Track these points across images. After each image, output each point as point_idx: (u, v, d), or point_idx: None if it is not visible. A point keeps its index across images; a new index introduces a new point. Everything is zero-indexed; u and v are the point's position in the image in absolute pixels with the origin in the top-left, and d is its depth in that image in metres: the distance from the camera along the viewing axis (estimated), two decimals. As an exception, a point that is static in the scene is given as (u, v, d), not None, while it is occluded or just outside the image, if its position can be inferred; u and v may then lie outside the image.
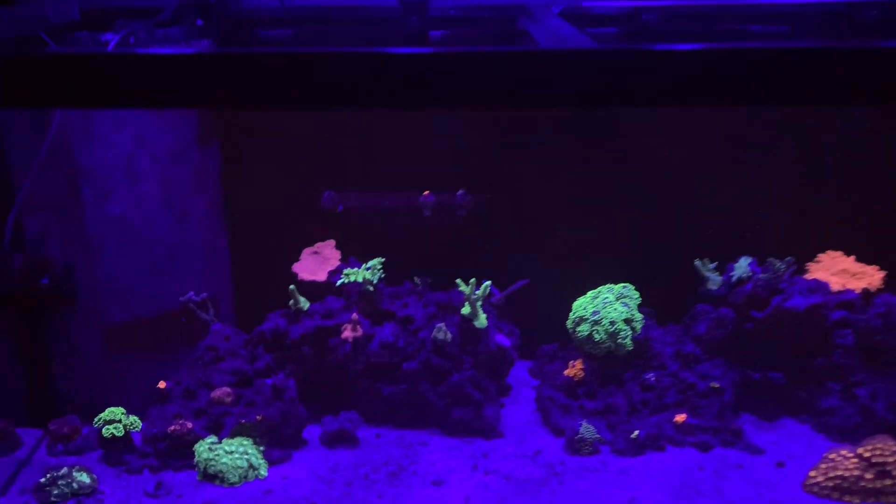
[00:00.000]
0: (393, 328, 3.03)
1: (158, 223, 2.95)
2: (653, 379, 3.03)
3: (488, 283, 2.99)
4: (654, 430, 2.92)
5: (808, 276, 3.11)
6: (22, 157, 2.73)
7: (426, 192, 3.11)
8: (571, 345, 3.20)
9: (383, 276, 3.08)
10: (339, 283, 3.04)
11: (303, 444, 2.96)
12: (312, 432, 3.04)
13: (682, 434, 2.91)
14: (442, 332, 2.99)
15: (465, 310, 3.00)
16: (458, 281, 2.97)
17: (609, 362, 3.09)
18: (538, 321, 3.32)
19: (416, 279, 3.13)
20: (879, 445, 2.62)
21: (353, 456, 2.94)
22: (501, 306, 3.26)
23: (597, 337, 3.02)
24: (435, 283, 3.25)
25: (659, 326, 3.21)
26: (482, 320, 3.00)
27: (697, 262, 3.11)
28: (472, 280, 2.96)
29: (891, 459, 2.60)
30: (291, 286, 2.97)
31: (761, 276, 2.97)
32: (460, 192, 3.17)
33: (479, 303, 2.95)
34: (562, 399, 3.08)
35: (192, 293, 2.94)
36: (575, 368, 3.08)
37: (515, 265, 3.33)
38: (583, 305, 3.08)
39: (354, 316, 2.96)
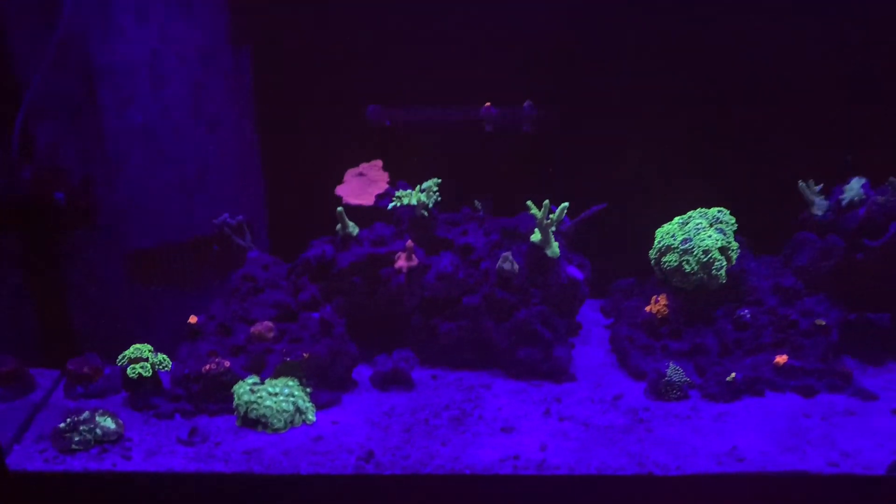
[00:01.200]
0: (451, 258, 2.69)
1: (187, 134, 2.59)
2: (748, 316, 2.69)
3: (566, 204, 2.63)
4: (751, 372, 2.59)
5: (926, 201, 2.79)
6: (29, 50, 2.35)
7: (487, 104, 2.74)
8: (651, 279, 2.86)
9: (439, 199, 2.75)
10: (390, 206, 2.70)
11: (353, 386, 2.65)
12: (362, 373, 2.73)
13: (783, 377, 2.57)
14: (508, 261, 2.64)
15: (536, 237, 2.65)
16: (529, 203, 2.61)
17: (697, 298, 2.75)
18: (612, 252, 2.99)
19: (477, 203, 2.78)
20: None
21: (409, 399, 2.62)
22: (572, 235, 2.91)
23: (687, 268, 2.67)
24: (497, 208, 2.91)
25: (753, 258, 2.88)
26: (555, 249, 2.65)
27: (801, 184, 2.75)
28: (546, 202, 2.60)
29: None
30: (340, 208, 2.62)
31: (877, 198, 2.61)
32: (527, 103, 2.80)
33: (553, 229, 2.62)
34: (642, 339, 2.74)
35: (226, 215, 2.60)
36: (659, 305, 2.75)
37: (588, 188, 2.96)
38: (670, 233, 2.72)
39: (409, 243, 2.61)
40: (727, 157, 2.91)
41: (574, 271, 2.75)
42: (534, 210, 2.60)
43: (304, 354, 2.45)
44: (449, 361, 2.77)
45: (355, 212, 2.86)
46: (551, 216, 2.59)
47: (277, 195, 2.97)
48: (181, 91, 2.50)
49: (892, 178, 2.60)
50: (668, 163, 2.90)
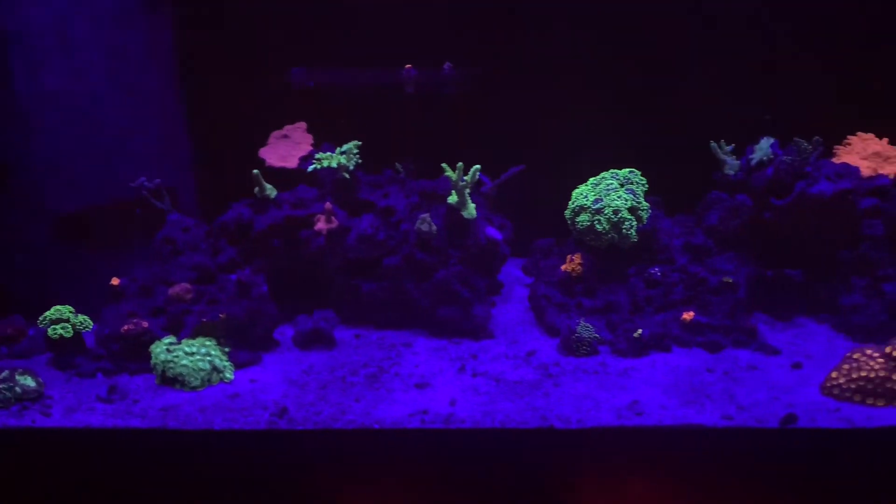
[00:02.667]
0: (372, 220, 2.74)
1: (105, 99, 2.63)
2: (659, 274, 2.75)
3: (477, 167, 2.67)
4: (660, 329, 2.66)
5: (836, 160, 2.82)
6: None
7: (408, 66, 2.77)
8: (570, 238, 2.92)
9: (360, 161, 2.78)
10: (310, 168, 2.74)
11: (274, 346, 2.72)
12: (286, 333, 2.80)
13: (690, 333, 2.66)
14: (426, 223, 2.70)
15: (452, 198, 2.69)
16: (444, 166, 2.65)
17: (611, 256, 2.82)
18: (533, 213, 3.05)
19: (398, 165, 2.83)
20: (910, 344, 2.41)
21: (329, 358, 2.69)
22: (493, 196, 2.96)
23: (599, 227, 2.73)
24: (421, 170, 2.95)
25: (667, 216, 2.93)
26: (471, 210, 2.70)
27: (713, 144, 2.80)
28: (460, 165, 2.65)
29: (922, 360, 2.39)
30: (255, 171, 2.66)
31: (784, 158, 2.66)
32: (447, 65, 2.83)
33: (468, 190, 2.66)
34: (558, 297, 2.82)
35: (143, 179, 2.63)
36: (573, 263, 2.81)
37: (510, 150, 3.02)
38: (583, 193, 2.77)
39: (328, 205, 2.66)
40: (650, 118, 2.95)
41: (493, 232, 2.81)
42: (448, 172, 2.64)
43: (221, 315, 2.51)
44: (373, 321, 2.84)
45: (281, 174, 2.91)
46: (465, 178, 2.64)
47: (205, 159, 3.00)
48: (96, 55, 2.52)
49: (796, 139, 2.65)
50: (590, 124, 2.93)
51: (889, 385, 2.38)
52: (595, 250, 2.78)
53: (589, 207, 2.71)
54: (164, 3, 2.67)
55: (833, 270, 2.76)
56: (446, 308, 2.74)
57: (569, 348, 2.66)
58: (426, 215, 2.68)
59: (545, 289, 2.83)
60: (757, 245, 2.76)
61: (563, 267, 2.80)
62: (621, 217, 2.67)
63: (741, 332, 2.65)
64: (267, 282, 2.65)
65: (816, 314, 2.81)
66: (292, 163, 2.82)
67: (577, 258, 2.79)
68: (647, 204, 2.74)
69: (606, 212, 2.68)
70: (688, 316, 2.66)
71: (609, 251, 2.77)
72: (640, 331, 2.61)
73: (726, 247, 2.78)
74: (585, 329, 2.66)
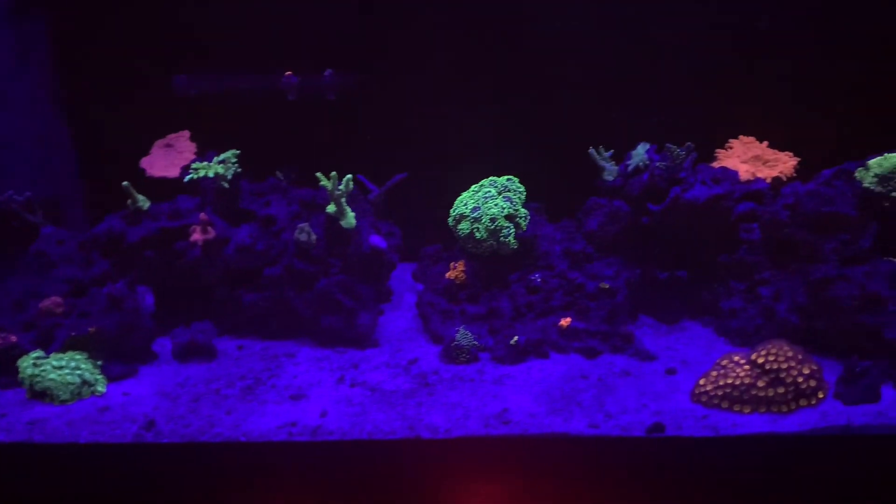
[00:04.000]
0: (251, 230, 2.72)
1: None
2: (539, 280, 2.76)
3: (349, 177, 2.66)
4: (539, 335, 2.67)
5: (716, 164, 2.82)
6: None
7: (288, 73, 2.74)
8: (457, 245, 2.92)
9: (239, 170, 2.76)
10: (186, 179, 2.71)
11: (152, 358, 2.70)
12: (166, 345, 2.77)
13: (568, 339, 2.66)
14: (304, 232, 2.68)
15: (330, 208, 2.68)
16: (319, 175, 2.64)
17: (494, 263, 2.82)
18: (426, 219, 3.02)
19: (279, 173, 2.81)
20: (774, 350, 2.37)
21: (207, 370, 2.67)
22: (380, 203, 2.96)
23: (478, 235, 2.72)
24: (306, 177, 2.91)
25: (550, 222, 2.93)
26: (350, 219, 2.69)
27: (591, 151, 2.80)
28: (334, 174, 2.63)
29: (785, 366, 2.35)
30: (125, 183, 2.62)
31: (659, 164, 2.66)
32: (328, 71, 2.81)
33: (344, 199, 2.65)
34: (442, 304, 2.80)
35: (10, 192, 2.59)
36: (456, 270, 2.80)
37: (398, 157, 3.01)
38: (463, 201, 2.76)
39: (203, 216, 2.63)
40: (538, 122, 2.94)
41: (377, 240, 2.79)
42: (323, 181, 2.62)
43: (91, 329, 2.49)
44: (257, 331, 2.82)
45: (166, 184, 2.89)
46: (340, 187, 2.62)
47: (92, 168, 2.97)
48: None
49: (668, 145, 2.65)
50: (479, 129, 2.93)
51: (754, 392, 2.39)
52: (478, 257, 2.77)
53: (468, 215, 2.70)
54: (37, 8, 2.64)
55: (715, 274, 2.78)
56: (329, 317, 2.72)
57: (449, 356, 2.65)
58: (305, 225, 2.66)
59: (431, 296, 2.82)
60: (638, 250, 2.78)
61: (447, 274, 2.79)
62: (498, 225, 2.66)
63: (618, 337, 2.65)
64: (145, 294, 2.65)
65: (701, 317, 2.83)
66: (174, 172, 2.79)
67: (461, 265, 2.78)
68: (526, 211, 2.73)
69: (484, 220, 2.67)
70: (565, 322, 2.66)
71: (492, 258, 2.77)
72: (515, 338, 2.61)
73: (607, 252, 2.78)
74: (464, 337, 2.65)
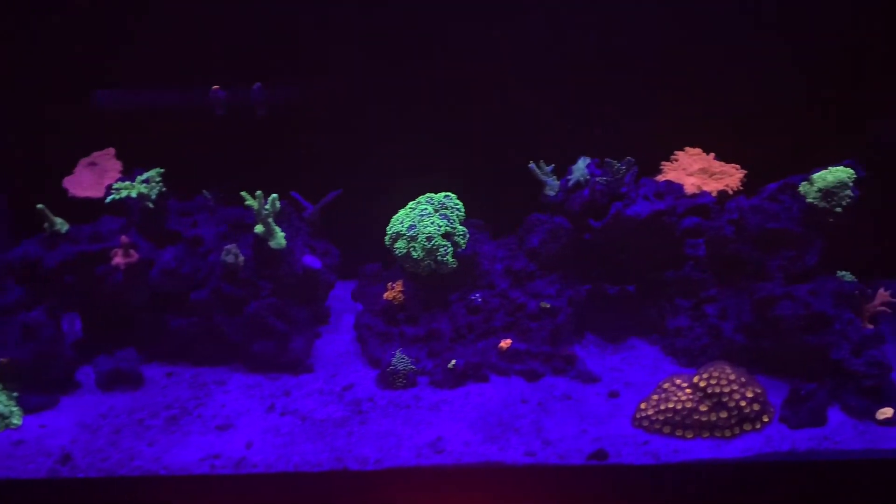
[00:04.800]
0: (175, 252, 2.59)
1: None
2: (479, 300, 2.65)
3: (274, 196, 2.54)
4: (478, 357, 2.56)
5: (661, 177, 2.73)
6: None
7: (215, 87, 2.63)
8: (396, 264, 2.84)
9: (164, 189, 2.62)
10: (108, 200, 2.58)
11: (74, 388, 2.56)
12: (92, 374, 2.62)
13: (509, 361, 2.56)
14: (231, 254, 2.56)
15: (258, 228, 2.56)
16: (244, 194, 2.52)
17: (433, 282, 2.71)
18: (367, 236, 2.88)
19: (205, 192, 2.70)
20: (716, 374, 2.28)
21: (132, 399, 2.54)
22: (315, 221, 2.84)
23: (414, 254, 2.62)
24: (237, 195, 2.75)
25: (492, 240, 2.83)
26: (279, 240, 2.57)
27: (532, 165, 2.69)
28: (259, 193, 2.51)
29: (727, 390, 2.26)
30: (40, 206, 2.49)
31: (599, 179, 2.57)
32: (256, 85, 2.68)
33: (271, 219, 2.54)
34: (380, 326, 2.70)
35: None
36: (394, 291, 2.69)
37: (335, 173, 2.89)
38: (399, 219, 2.66)
39: (125, 239, 2.51)
40: (482, 137, 2.85)
41: (311, 260, 2.69)
42: (249, 201, 2.51)
43: (2, 359, 2.38)
44: (188, 357, 2.69)
45: (89, 204, 2.77)
46: (266, 207, 2.52)
47: (22, 193, 2.82)
48: None
49: (607, 160, 2.56)
50: (421, 144, 2.82)
51: (697, 416, 2.29)
52: (417, 277, 2.67)
53: (404, 234, 2.60)
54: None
55: (663, 291, 2.70)
56: (261, 342, 2.60)
57: (386, 381, 2.55)
58: (232, 246, 2.55)
59: (369, 318, 2.71)
60: (582, 266, 2.68)
61: (385, 295, 2.69)
62: (435, 244, 2.56)
63: (560, 358, 2.55)
64: (74, 320, 2.53)
65: (649, 335, 2.73)
66: (99, 192, 2.67)
67: (399, 285, 2.68)
68: (464, 228, 2.63)
69: (420, 238, 2.56)
70: (505, 344, 2.56)
71: (431, 277, 2.66)
72: (453, 361, 2.51)
73: (550, 270, 2.67)
74: (401, 361, 2.54)
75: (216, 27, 2.60)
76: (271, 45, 2.65)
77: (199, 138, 2.69)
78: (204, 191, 2.67)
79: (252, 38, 2.64)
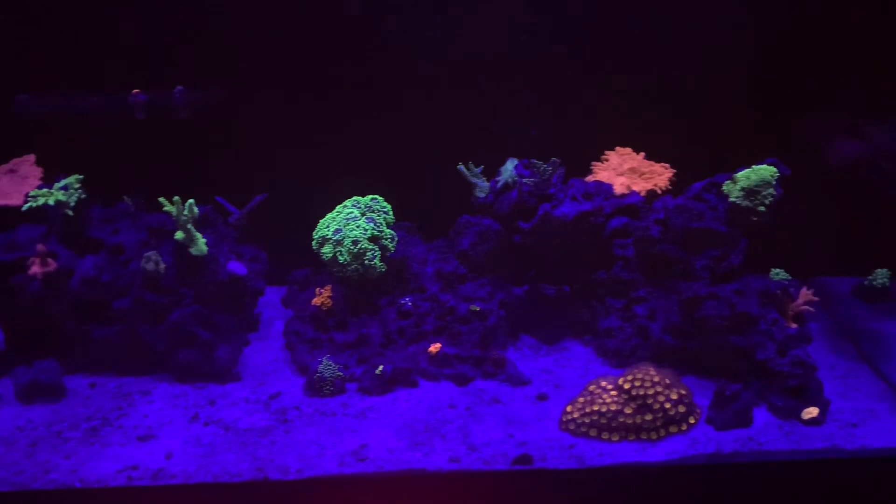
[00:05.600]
0: (95, 260, 2.52)
1: None
2: (409, 304, 2.61)
3: (191, 201, 2.47)
4: (408, 363, 2.53)
5: (591, 178, 2.71)
6: None
7: (135, 91, 2.57)
8: (326, 269, 2.80)
9: (83, 196, 2.53)
10: (24, 207, 2.49)
11: (-8, 402, 2.56)
12: (10, 386, 2.54)
13: (439, 366, 2.52)
14: (151, 262, 2.50)
15: (179, 235, 2.50)
16: (162, 200, 2.46)
17: (363, 287, 2.66)
18: (296, 241, 2.81)
19: (127, 198, 2.63)
20: (640, 375, 2.27)
21: (52, 412, 2.46)
22: (243, 227, 2.79)
23: (341, 259, 2.57)
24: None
25: (425, 242, 2.80)
26: (200, 246, 2.51)
27: (461, 167, 2.65)
28: (177, 198, 2.45)
29: (652, 392, 2.24)
30: (-49, 214, 2.47)
31: (527, 180, 2.54)
32: (178, 88, 2.63)
33: (191, 224, 2.47)
34: (309, 332, 2.64)
35: None
36: (322, 296, 2.64)
37: (262, 177, 2.82)
38: (326, 223, 2.61)
39: (41, 247, 2.43)
40: (415, 138, 2.81)
41: (236, 266, 2.63)
42: (167, 206, 2.44)
43: (-87, 374, 2.31)
44: (113, 367, 2.62)
45: (7, 212, 2.69)
46: (185, 213, 2.46)
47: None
48: None
49: (532, 161, 2.54)
50: (349, 148, 2.79)
51: (622, 419, 2.27)
52: (346, 281, 2.62)
53: (330, 238, 2.55)
54: None
55: (594, 292, 2.68)
56: (185, 351, 2.54)
57: (313, 389, 2.50)
58: (152, 253, 2.49)
59: (297, 324, 2.66)
60: (514, 268, 2.66)
61: (313, 300, 2.64)
62: (362, 248, 2.52)
63: (490, 362, 2.52)
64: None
65: (582, 336, 2.70)
66: (17, 199, 2.58)
67: (327, 291, 2.63)
68: (392, 232, 2.59)
69: (346, 242, 2.53)
70: (434, 348, 2.52)
71: (361, 282, 2.62)
72: (381, 367, 2.47)
73: (482, 272, 2.64)
74: (328, 368, 2.50)
75: (135, 29, 2.54)
76: (193, 46, 2.59)
77: (121, 143, 2.63)
78: (125, 197, 2.62)
79: (174, 40, 2.59)
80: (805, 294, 2.44)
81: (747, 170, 2.38)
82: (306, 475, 2.21)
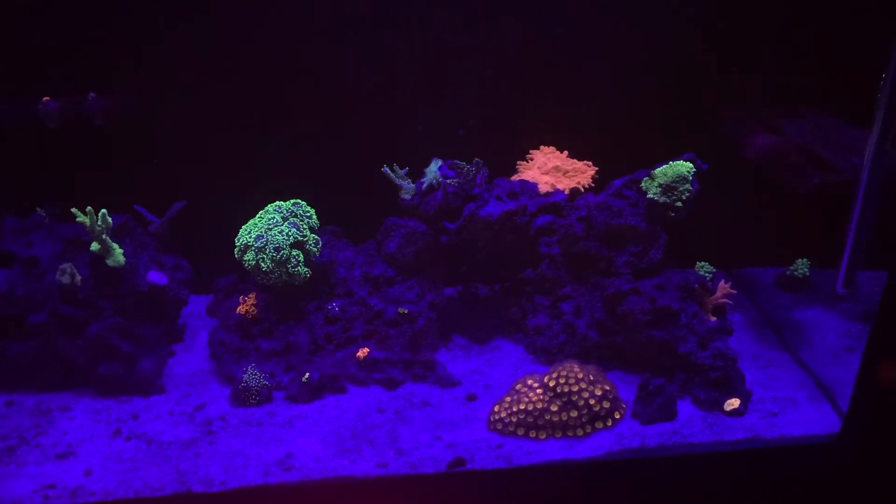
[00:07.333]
0: (7, 275, 2.44)
1: None
2: (337, 309, 2.59)
3: (104, 211, 2.41)
4: (335, 369, 2.50)
5: (517, 177, 2.71)
6: None
7: (45, 99, 2.49)
8: (251, 276, 2.76)
9: (-7, 208, 2.50)
10: (-72, 221, 2.46)
11: None
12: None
13: (368, 371, 2.50)
14: (66, 274, 2.42)
15: (95, 246, 2.43)
16: (74, 211, 2.39)
17: (289, 293, 2.63)
18: (221, 249, 2.74)
19: (40, 209, 2.55)
20: (564, 373, 2.28)
21: (-35, 433, 2.47)
22: (163, 235, 2.73)
23: (264, 266, 2.52)
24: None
25: (352, 245, 2.77)
26: (117, 257, 2.45)
27: (385, 169, 2.62)
28: (89, 209, 2.38)
29: (576, 388, 2.26)
30: None
31: (451, 181, 2.53)
32: (91, 95, 2.55)
33: (105, 235, 2.41)
34: (235, 341, 2.58)
35: None
36: (246, 304, 2.59)
37: (183, 183, 2.77)
38: (248, 230, 2.56)
39: (-53, 262, 2.40)
40: (339, 141, 2.78)
41: (156, 276, 2.57)
42: (80, 217, 2.38)
43: None
44: (31, 384, 2.53)
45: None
46: (100, 223, 2.39)
47: None
48: None
49: (455, 161, 2.54)
50: (273, 152, 2.75)
51: (548, 417, 2.28)
52: (272, 288, 2.58)
53: (252, 245, 2.51)
54: None
55: (523, 290, 2.68)
56: (107, 365, 2.47)
57: (239, 399, 2.45)
58: (67, 265, 2.41)
59: (222, 333, 2.60)
60: (443, 269, 2.64)
61: (237, 309, 2.59)
62: (284, 254, 2.48)
63: (419, 364, 2.51)
64: None
65: (513, 335, 2.71)
66: (-74, 214, 2.53)
67: (251, 298, 2.58)
68: (316, 236, 2.55)
69: (268, 249, 2.48)
70: (362, 353, 2.50)
71: (287, 288, 2.59)
72: (307, 374, 2.44)
73: (410, 274, 2.63)
74: (253, 377, 2.46)
75: (43, 34, 2.46)
76: (104, 51, 2.52)
77: (34, 152, 2.54)
78: (38, 208, 2.54)
79: (84, 46, 2.51)
80: (723, 287, 2.48)
81: (664, 166, 2.41)
82: (230, 486, 2.17)
